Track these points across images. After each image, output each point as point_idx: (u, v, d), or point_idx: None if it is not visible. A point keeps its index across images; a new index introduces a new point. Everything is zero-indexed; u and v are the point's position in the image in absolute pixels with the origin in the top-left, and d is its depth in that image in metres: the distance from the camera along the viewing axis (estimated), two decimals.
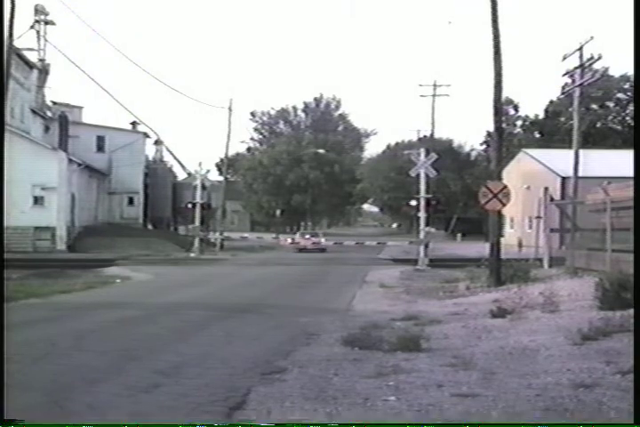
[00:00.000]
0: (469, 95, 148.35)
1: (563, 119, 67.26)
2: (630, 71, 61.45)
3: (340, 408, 6.48)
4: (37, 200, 45.30)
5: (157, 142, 61.87)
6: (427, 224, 35.94)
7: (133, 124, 58.55)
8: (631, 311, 10.11)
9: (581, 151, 30.27)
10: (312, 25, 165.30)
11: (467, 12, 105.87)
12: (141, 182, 57.76)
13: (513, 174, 45.47)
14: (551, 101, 71.82)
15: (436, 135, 64.72)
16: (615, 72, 67.11)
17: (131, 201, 57.51)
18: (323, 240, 54.25)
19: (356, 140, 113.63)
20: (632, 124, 64.43)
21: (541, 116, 73.58)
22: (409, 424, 6.00)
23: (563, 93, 55.46)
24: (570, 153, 30.78)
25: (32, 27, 51.40)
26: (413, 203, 36.52)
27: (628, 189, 16.81)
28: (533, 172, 47.79)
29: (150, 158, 62.26)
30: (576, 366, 7.82)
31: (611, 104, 70.46)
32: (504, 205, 20.64)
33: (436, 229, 65.18)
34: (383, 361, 8.65)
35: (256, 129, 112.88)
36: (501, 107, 22.47)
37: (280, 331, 12.12)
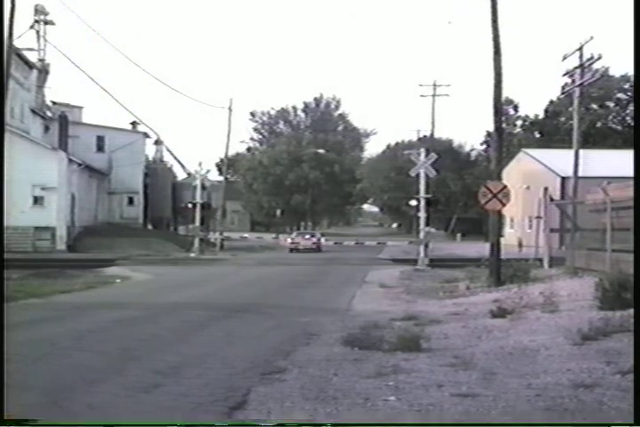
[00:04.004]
0: (469, 95, 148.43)
1: (563, 119, 67.24)
2: (630, 71, 61.52)
3: (340, 408, 6.48)
4: (37, 200, 45.30)
5: (157, 142, 61.88)
6: (427, 224, 35.95)
7: (133, 124, 58.58)
8: (631, 311, 10.11)
9: (581, 151, 30.26)
10: (312, 25, 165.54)
11: (467, 12, 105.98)
12: (141, 182, 57.77)
13: (513, 174, 45.46)
14: (551, 101, 71.78)
15: (436, 135, 64.69)
16: (615, 72, 67.15)
17: (131, 201, 57.53)
18: (322, 240, 54.35)
19: (356, 140, 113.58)
20: (632, 124, 64.40)
21: (541, 116, 73.55)
22: (409, 424, 6.01)
23: (563, 93, 55.27)
24: (570, 153, 30.77)
25: (32, 27, 51.46)
26: (413, 203, 36.53)
27: (627, 189, 16.80)
28: (533, 172, 47.78)
29: (150, 158, 62.28)
30: (576, 366, 7.83)
31: (611, 104, 70.41)
32: (504, 205, 20.63)
33: (436, 229, 65.28)
34: (383, 361, 8.65)
35: (256, 129, 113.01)
36: (501, 107, 22.47)
37: (280, 331, 12.12)
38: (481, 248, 29.47)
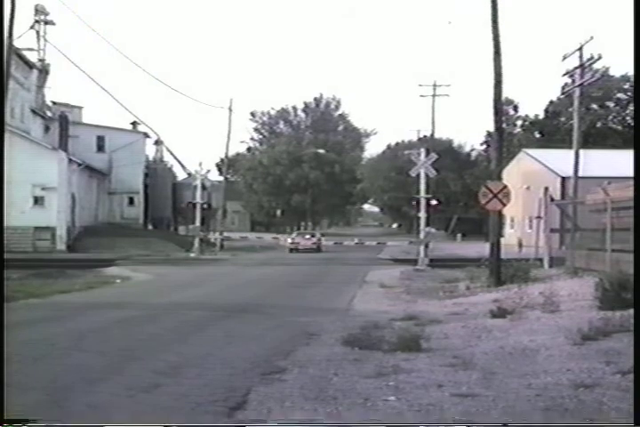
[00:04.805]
0: (469, 95, 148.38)
1: (563, 119, 67.21)
2: (630, 71, 61.47)
3: (340, 408, 6.48)
4: (37, 200, 45.32)
5: (157, 142, 61.90)
6: (427, 224, 35.95)
7: (133, 124, 58.61)
8: (631, 311, 10.10)
9: (581, 151, 30.26)
10: (312, 25, 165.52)
11: (467, 12, 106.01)
12: (141, 182, 57.79)
13: (513, 174, 45.48)
14: (551, 101, 71.77)
15: (436, 135, 64.86)
16: (615, 72, 67.14)
17: (131, 201, 57.55)
18: (323, 240, 54.37)
19: (356, 140, 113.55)
20: (632, 124, 64.37)
21: (541, 116, 73.52)
22: (409, 424, 6.01)
23: (563, 93, 55.51)
24: (570, 153, 30.78)
25: (32, 27, 51.48)
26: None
27: (627, 189, 16.79)
28: (533, 172, 47.79)
29: (150, 158, 62.30)
30: (576, 366, 7.82)
31: (611, 104, 70.37)
32: (504, 205, 20.63)
33: (437, 229, 65.27)
34: (383, 361, 8.65)
35: (256, 129, 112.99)
36: (501, 107, 22.47)
37: (280, 331, 12.11)
38: (481, 248, 29.45)
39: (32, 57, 51.44)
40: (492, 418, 6.05)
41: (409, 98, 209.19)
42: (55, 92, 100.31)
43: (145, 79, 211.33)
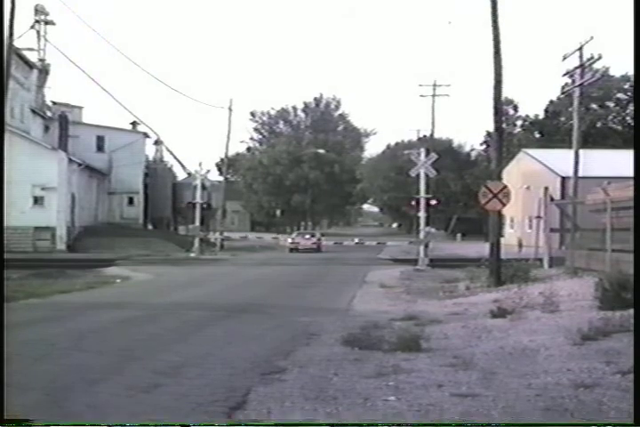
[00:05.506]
0: (469, 95, 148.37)
1: (563, 119, 67.23)
2: (630, 71, 61.47)
3: (340, 408, 6.48)
4: (37, 200, 45.31)
5: (157, 142, 61.88)
6: (427, 224, 35.95)
7: (133, 124, 58.60)
8: (631, 311, 10.10)
9: (581, 151, 30.27)
10: (312, 25, 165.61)
11: (467, 12, 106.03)
12: (141, 182, 57.78)
13: (513, 174, 45.50)
14: (551, 101, 71.78)
15: (436, 135, 64.87)
16: (615, 72, 67.19)
17: (131, 201, 57.55)
18: (323, 240, 54.42)
19: (356, 140, 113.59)
20: (632, 124, 64.37)
21: (541, 116, 73.54)
22: (409, 424, 6.00)
23: (563, 93, 55.39)
24: (570, 153, 30.79)
25: (32, 27, 51.47)
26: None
27: (628, 189, 16.80)
28: (533, 172, 47.80)
29: (150, 158, 62.29)
30: (576, 366, 7.82)
31: (611, 104, 70.38)
32: (504, 205, 20.63)
33: (437, 229, 65.35)
34: (383, 361, 8.65)
35: (256, 129, 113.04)
36: (501, 107, 22.46)
37: (280, 331, 12.11)
38: (481, 248, 29.45)
39: (32, 57, 51.49)
40: (492, 418, 6.05)
41: (409, 98, 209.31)
42: (55, 92, 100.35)
43: (145, 79, 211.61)
